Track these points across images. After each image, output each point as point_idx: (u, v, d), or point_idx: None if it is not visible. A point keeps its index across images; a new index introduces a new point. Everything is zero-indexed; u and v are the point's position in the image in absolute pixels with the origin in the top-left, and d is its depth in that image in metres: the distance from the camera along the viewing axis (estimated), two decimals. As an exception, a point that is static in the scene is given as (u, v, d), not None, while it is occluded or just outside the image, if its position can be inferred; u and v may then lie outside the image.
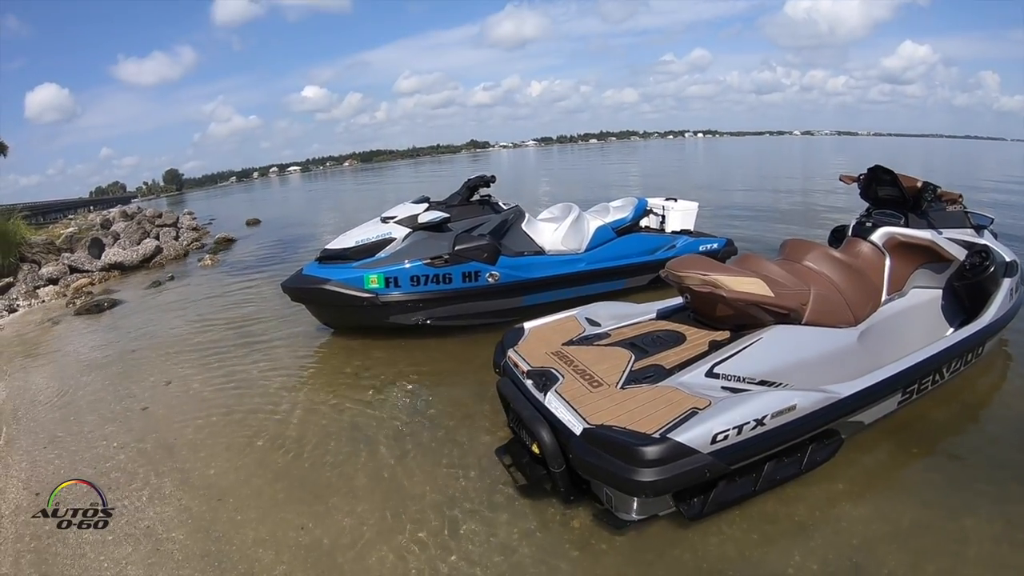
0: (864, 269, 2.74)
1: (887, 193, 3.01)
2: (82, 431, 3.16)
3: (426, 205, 4.24)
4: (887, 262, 2.80)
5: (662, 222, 5.24)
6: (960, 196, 3.06)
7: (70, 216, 11.93)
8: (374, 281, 3.90)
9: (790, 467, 2.14)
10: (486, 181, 4.45)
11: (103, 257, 8.43)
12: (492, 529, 2.08)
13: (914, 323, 2.78)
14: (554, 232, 4.55)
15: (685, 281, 2.45)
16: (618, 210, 4.87)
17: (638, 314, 2.91)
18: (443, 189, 4.96)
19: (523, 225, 4.49)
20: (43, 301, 6.57)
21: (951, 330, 2.86)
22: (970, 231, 3.04)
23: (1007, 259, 2.97)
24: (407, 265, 3.92)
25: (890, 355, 2.46)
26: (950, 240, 2.89)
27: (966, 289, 2.87)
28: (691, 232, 5.13)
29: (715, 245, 4.89)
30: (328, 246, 4.21)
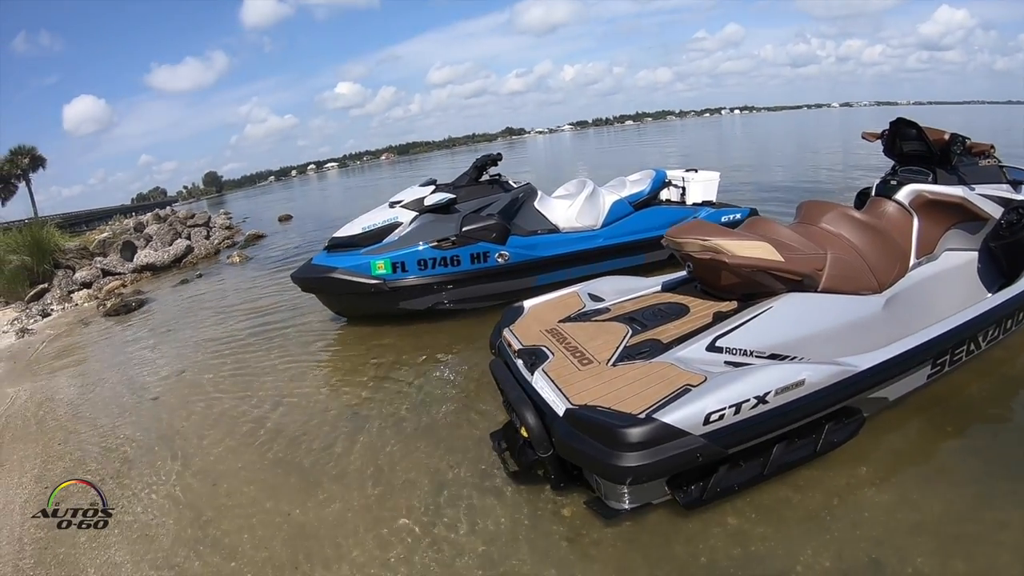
0: (889, 231, 2.53)
1: (912, 148, 2.76)
2: (95, 422, 3.27)
3: (432, 188, 4.17)
4: (915, 223, 2.58)
5: (683, 194, 5.05)
6: (992, 147, 2.75)
7: (109, 222, 12.32)
8: (381, 267, 3.88)
9: (803, 449, 1.98)
10: (493, 160, 4.37)
11: (135, 259, 8.73)
12: (479, 517, 2.00)
13: (948, 288, 2.56)
14: (568, 209, 4.43)
15: (685, 248, 2.29)
16: (635, 184, 4.71)
17: (643, 287, 2.75)
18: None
19: (535, 203, 4.39)
20: (76, 304, 6.84)
21: (989, 295, 2.60)
22: (1006, 187, 2.76)
23: None
24: (414, 249, 3.87)
25: (920, 324, 2.26)
26: (984, 197, 2.64)
27: (1004, 249, 2.61)
28: (713, 203, 4.95)
29: (739, 215, 4.65)
30: (336, 234, 4.20)
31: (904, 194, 2.61)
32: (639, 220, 4.52)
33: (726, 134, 30.30)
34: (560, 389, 1.93)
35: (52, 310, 6.56)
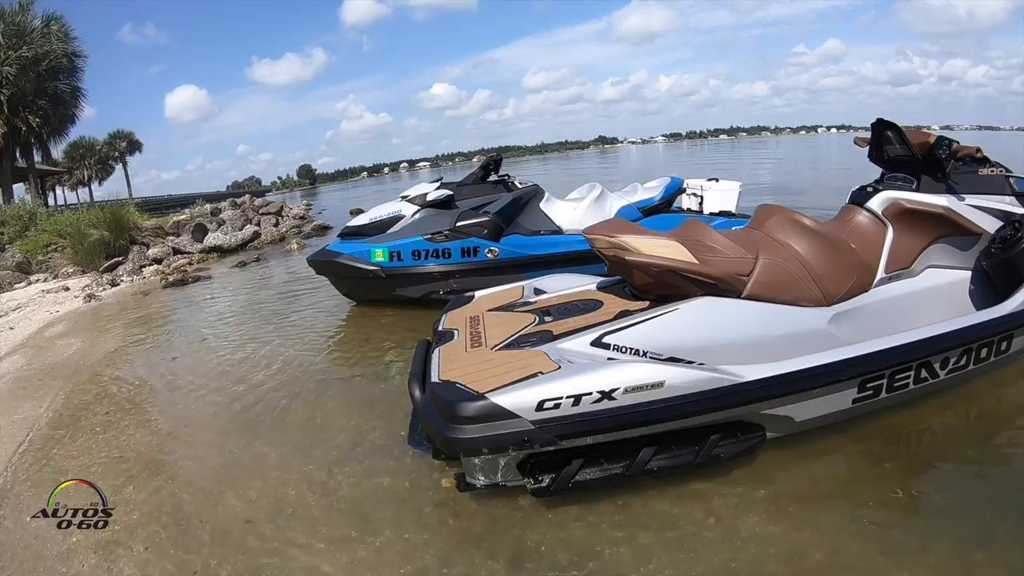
0: (853, 241, 2.46)
1: (897, 153, 2.63)
2: (118, 372, 3.99)
3: (437, 184, 4.64)
4: (889, 233, 2.48)
5: (701, 203, 5.18)
6: (978, 150, 2.62)
7: (192, 207, 13.81)
8: (379, 255, 4.39)
9: (680, 457, 2.00)
10: (496, 161, 4.79)
11: (204, 240, 9.85)
12: (370, 476, 2.34)
13: (923, 309, 2.43)
14: (573, 211, 4.74)
15: (595, 244, 2.39)
16: (648, 190, 4.93)
17: (581, 284, 2.86)
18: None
19: (541, 204, 4.76)
20: (144, 278, 7.90)
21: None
22: (1010, 199, 2.59)
23: None
24: (410, 240, 4.36)
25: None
26: (976, 208, 2.51)
27: (995, 268, 2.46)
28: (731, 213, 5.02)
29: None
30: (349, 223, 4.77)
31: (877, 202, 2.54)
32: (648, 225, 4.72)
33: (821, 154, 28.73)
34: (439, 366, 2.14)
35: (121, 280, 7.64)
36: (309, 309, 5.16)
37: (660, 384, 1.85)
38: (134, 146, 40.53)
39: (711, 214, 5.04)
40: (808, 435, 2.24)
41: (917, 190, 2.52)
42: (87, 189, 39.16)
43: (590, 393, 1.80)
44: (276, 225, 12.08)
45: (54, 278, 7.82)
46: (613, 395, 1.81)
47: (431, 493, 2.19)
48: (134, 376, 3.89)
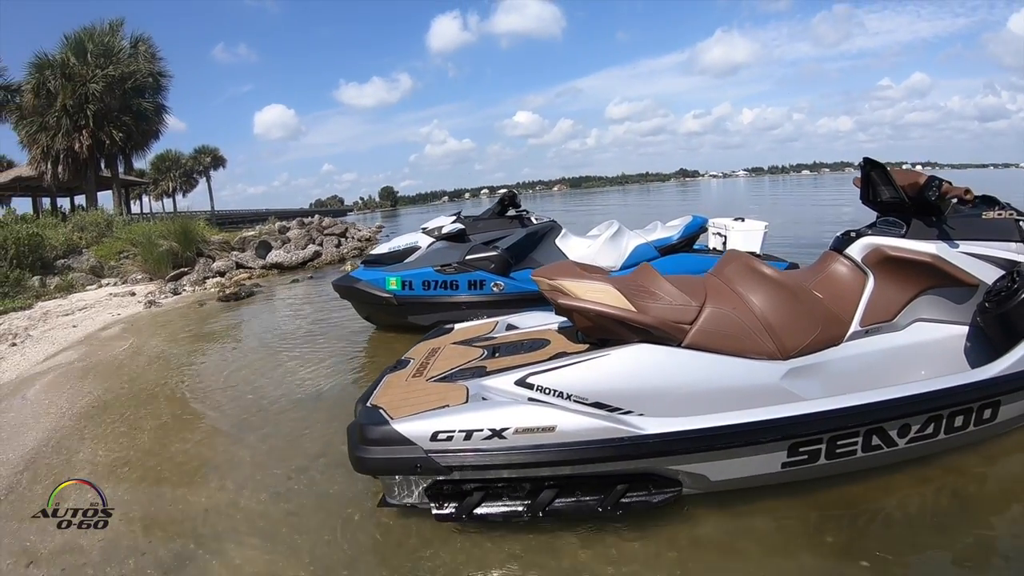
0: (824, 290, 2.37)
1: (889, 195, 2.52)
2: (150, 376, 4.49)
3: (454, 218, 4.98)
4: (869, 283, 2.37)
5: (724, 243, 5.22)
6: (967, 191, 2.40)
7: (265, 223, 14.95)
8: (393, 283, 4.75)
9: (584, 503, 2.06)
10: (511, 196, 5.09)
11: (267, 257, 10.63)
12: (320, 484, 2.60)
13: (910, 366, 2.32)
14: (588, 248, 4.90)
15: (540, 286, 2.43)
16: (667, 228, 5.02)
17: (548, 323, 2.88)
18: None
19: (557, 240, 5.00)
20: (205, 289, 8.64)
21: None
22: (1017, 246, 2.42)
23: None
24: (421, 270, 4.70)
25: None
26: (972, 257, 2.36)
27: (989, 325, 2.32)
28: (755, 254, 5.04)
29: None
30: (371, 251, 5.19)
31: (857, 249, 2.44)
32: (661, 266, 4.82)
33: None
34: (378, 391, 2.33)
35: (183, 290, 8.43)
36: (336, 329, 5.59)
37: (551, 428, 1.95)
38: (218, 161, 44.03)
39: (732, 253, 5.08)
40: (749, 494, 2.18)
41: (906, 236, 2.41)
42: (171, 200, 42.90)
43: (481, 430, 1.94)
44: (338, 246, 12.84)
45: (123, 283, 8.76)
46: (503, 434, 1.94)
47: (368, 505, 2.39)
48: (163, 378, 4.39)
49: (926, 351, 2.37)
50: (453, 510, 2.07)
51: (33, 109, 19.67)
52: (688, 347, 2.17)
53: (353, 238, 14.52)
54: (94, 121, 20.05)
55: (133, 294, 7.93)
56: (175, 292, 8.20)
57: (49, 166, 19.94)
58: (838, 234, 2.60)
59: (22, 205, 26.12)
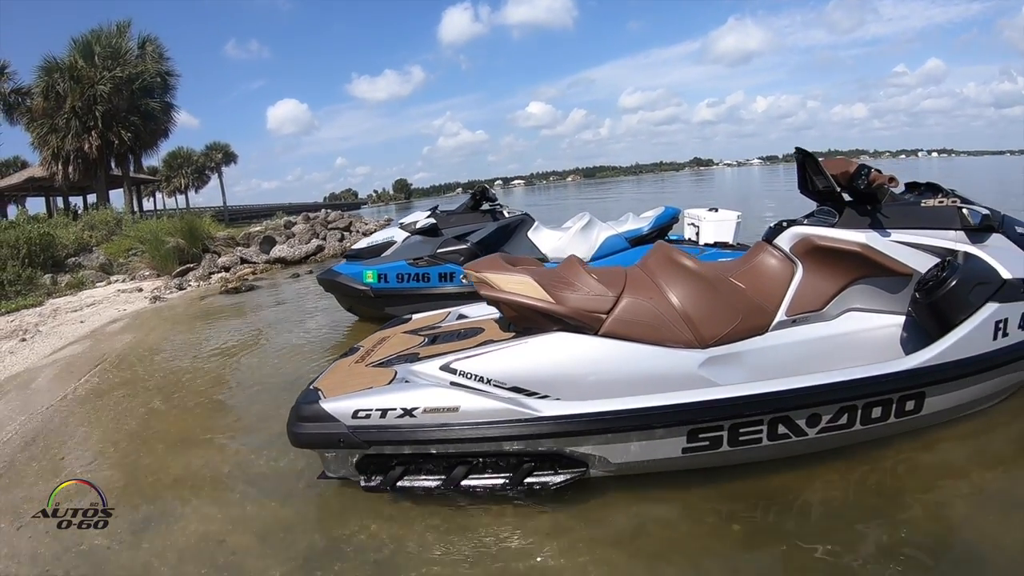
0: (748, 281, 2.43)
1: (822, 184, 2.51)
2: (145, 366, 4.87)
3: (428, 213, 5.30)
4: (797, 273, 2.41)
5: (697, 233, 5.38)
6: (892, 179, 2.41)
7: (271, 219, 15.40)
8: (370, 276, 5.07)
9: (494, 480, 2.23)
10: (483, 190, 5.42)
11: (271, 252, 11.04)
12: (278, 459, 2.86)
13: (840, 355, 2.34)
14: (559, 240, 5.17)
15: (470, 279, 2.56)
16: (638, 220, 5.26)
17: (490, 314, 2.96)
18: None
19: (529, 232, 5.28)
20: (209, 283, 9.06)
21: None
22: (956, 234, 2.42)
23: (1006, 276, 2.29)
24: (395, 264, 5.03)
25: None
26: (904, 245, 2.39)
27: (921, 314, 2.33)
28: (727, 244, 5.14)
29: None
30: (352, 246, 5.53)
31: (785, 239, 2.49)
32: (631, 257, 4.91)
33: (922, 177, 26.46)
34: (323, 375, 2.57)
35: (188, 285, 8.86)
36: (320, 313, 6.05)
37: (455, 408, 2.13)
38: (229, 157, 44.77)
39: (706, 245, 5.22)
40: (663, 480, 2.27)
41: (837, 225, 2.44)
42: (184, 196, 43.91)
43: (395, 408, 2.15)
44: (341, 240, 13.20)
45: (131, 279, 9.23)
46: (413, 413, 2.14)
47: (315, 477, 2.57)
48: (157, 367, 4.76)
49: (857, 341, 2.40)
50: (378, 482, 2.29)
51: (43, 112, 20.39)
52: (604, 335, 2.29)
53: (358, 232, 14.89)
54: (103, 122, 20.66)
55: (140, 290, 8.38)
56: (180, 287, 8.63)
57: (60, 167, 20.67)
58: (770, 224, 2.67)
59: (37, 205, 27.05)
